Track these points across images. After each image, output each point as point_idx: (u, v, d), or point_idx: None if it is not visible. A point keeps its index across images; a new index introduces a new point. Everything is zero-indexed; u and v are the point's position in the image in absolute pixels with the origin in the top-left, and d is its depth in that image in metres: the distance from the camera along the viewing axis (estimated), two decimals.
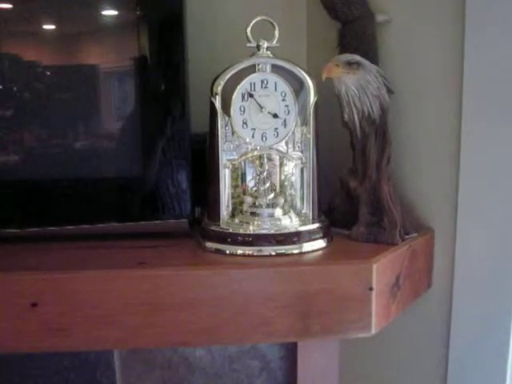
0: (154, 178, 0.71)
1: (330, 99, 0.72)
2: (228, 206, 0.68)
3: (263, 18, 0.67)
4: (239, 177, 0.71)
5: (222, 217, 0.68)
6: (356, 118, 0.71)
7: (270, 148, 0.68)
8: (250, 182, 0.71)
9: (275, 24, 0.67)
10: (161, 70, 0.70)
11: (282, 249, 0.66)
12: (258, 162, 0.70)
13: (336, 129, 0.75)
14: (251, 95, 0.66)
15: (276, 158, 0.70)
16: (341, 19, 0.78)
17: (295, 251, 0.66)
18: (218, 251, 0.66)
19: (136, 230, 0.71)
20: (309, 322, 0.62)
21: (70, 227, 0.70)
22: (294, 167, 0.70)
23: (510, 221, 0.68)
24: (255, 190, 0.70)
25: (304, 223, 0.68)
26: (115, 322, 0.60)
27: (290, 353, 0.88)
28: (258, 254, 0.65)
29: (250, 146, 0.67)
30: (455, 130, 0.72)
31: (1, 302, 0.59)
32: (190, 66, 0.72)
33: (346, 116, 0.72)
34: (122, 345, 0.66)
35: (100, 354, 0.82)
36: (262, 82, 0.66)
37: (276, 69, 0.67)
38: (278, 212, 0.69)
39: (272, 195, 0.70)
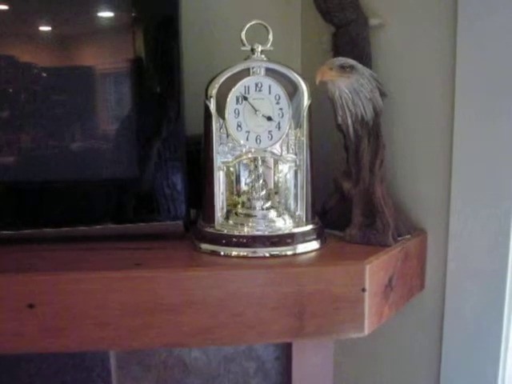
0: (150, 180, 0.71)
1: (323, 102, 0.73)
2: (222, 207, 0.69)
3: (257, 21, 0.68)
4: (234, 179, 0.72)
5: (216, 218, 0.68)
6: (349, 120, 0.72)
7: (265, 150, 0.68)
8: (245, 184, 0.72)
9: (269, 28, 0.68)
10: (156, 72, 0.70)
11: (276, 250, 0.66)
12: (252, 164, 0.70)
13: (330, 131, 0.76)
14: (245, 98, 0.67)
15: (270, 160, 0.71)
16: (335, 23, 0.79)
17: (289, 253, 0.67)
18: (212, 253, 0.67)
19: (131, 231, 0.72)
20: (303, 323, 0.63)
21: (65, 229, 0.71)
22: (288, 169, 0.71)
23: (502, 222, 0.69)
24: (250, 192, 0.71)
25: (298, 225, 0.69)
26: (111, 322, 0.60)
27: (285, 353, 0.88)
28: (253, 255, 0.66)
29: (244, 149, 0.68)
30: (448, 133, 0.73)
31: None
32: (185, 69, 0.72)
33: (339, 119, 0.73)
34: (118, 346, 0.67)
35: (96, 355, 0.82)
36: (257, 85, 0.67)
37: (270, 72, 0.67)
38: (272, 214, 0.69)
39: (266, 197, 0.70)
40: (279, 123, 0.68)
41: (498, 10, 0.66)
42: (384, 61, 0.78)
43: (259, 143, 0.68)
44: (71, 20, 0.70)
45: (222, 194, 0.69)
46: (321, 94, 0.72)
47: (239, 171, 0.72)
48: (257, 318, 0.62)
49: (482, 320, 0.71)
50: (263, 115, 0.67)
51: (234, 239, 0.67)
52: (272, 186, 0.72)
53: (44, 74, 0.70)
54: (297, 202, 0.70)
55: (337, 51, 0.79)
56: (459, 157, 0.72)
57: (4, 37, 0.69)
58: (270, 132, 0.68)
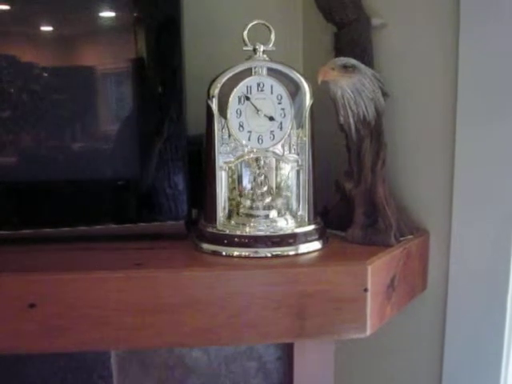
0: (151, 180, 0.71)
1: (326, 102, 0.73)
2: (224, 207, 0.69)
3: (259, 21, 0.68)
4: (236, 179, 0.72)
5: (218, 218, 0.68)
6: (351, 120, 0.72)
7: (266, 150, 0.68)
8: (247, 184, 0.72)
9: (271, 28, 0.68)
10: (158, 72, 0.70)
11: (277, 250, 0.66)
12: (254, 164, 0.70)
13: (332, 131, 0.76)
14: (247, 98, 0.67)
15: (272, 160, 0.71)
16: (336, 23, 0.79)
17: (291, 253, 0.66)
18: (214, 253, 0.67)
19: (133, 231, 0.72)
20: (304, 323, 0.62)
21: (66, 229, 0.70)
22: (290, 169, 0.71)
23: (504, 222, 0.69)
24: (251, 192, 0.71)
25: (300, 225, 0.69)
26: (112, 322, 0.60)
27: (287, 354, 0.89)
28: (254, 255, 0.66)
29: (246, 149, 0.68)
30: (450, 133, 0.73)
31: None
32: (187, 69, 0.72)
33: (341, 119, 0.73)
34: (119, 345, 0.67)
35: (97, 355, 0.82)
36: (259, 85, 0.67)
37: (272, 72, 0.67)
38: (274, 214, 0.69)
39: (268, 197, 0.70)
40: (281, 123, 0.68)
41: (501, 9, 0.66)
42: (386, 61, 0.78)
43: (261, 143, 0.68)
44: (73, 20, 0.70)
45: (224, 194, 0.69)
46: (323, 94, 0.72)
47: (241, 171, 0.72)
48: (258, 319, 0.62)
49: (484, 320, 0.71)
50: (265, 115, 0.67)
51: (236, 239, 0.67)
52: (274, 186, 0.72)
53: (45, 74, 0.70)
54: (299, 202, 0.70)
55: (338, 51, 0.78)
56: (461, 157, 0.72)
57: (6, 36, 0.69)
58: (271, 132, 0.68)
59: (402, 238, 0.71)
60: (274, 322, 0.62)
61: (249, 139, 0.67)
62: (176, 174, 0.71)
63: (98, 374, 0.83)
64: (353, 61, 0.71)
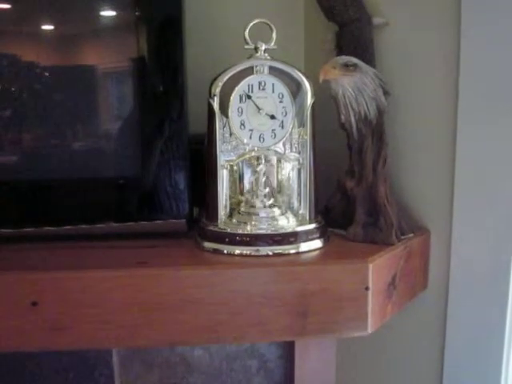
0: (153, 179, 0.71)
1: (327, 100, 0.73)
2: (226, 206, 0.69)
3: (261, 20, 0.68)
4: (237, 177, 0.72)
5: (219, 217, 0.68)
6: (353, 119, 0.72)
7: (268, 149, 0.68)
8: (248, 183, 0.72)
9: (273, 26, 0.68)
10: (159, 70, 0.70)
11: (279, 249, 0.66)
12: (255, 162, 0.70)
13: (334, 130, 0.76)
14: (249, 97, 0.67)
15: (273, 158, 0.71)
16: (338, 21, 0.79)
17: (292, 251, 0.67)
18: (215, 251, 0.67)
19: (134, 229, 0.72)
20: (306, 321, 0.63)
21: (68, 227, 0.71)
22: (292, 168, 0.71)
23: (505, 221, 0.69)
24: (253, 191, 0.71)
25: (301, 223, 0.69)
26: (114, 321, 0.60)
27: (288, 352, 0.89)
28: (256, 253, 0.66)
29: (247, 147, 0.68)
30: (451, 132, 0.73)
31: (1, 301, 0.59)
32: (189, 68, 0.72)
33: (342, 117, 0.73)
34: (121, 344, 0.67)
35: (99, 353, 0.82)
36: (260, 83, 0.67)
37: (273, 71, 0.67)
38: (276, 212, 0.69)
39: (269, 196, 0.70)
40: (282, 122, 0.68)
41: (502, 9, 0.66)
42: (387, 59, 0.78)
43: (262, 142, 0.68)
44: (74, 19, 0.70)
45: (225, 192, 0.69)
46: (324, 93, 0.72)
47: (242, 170, 0.72)
48: (259, 317, 0.62)
49: (484, 319, 0.71)
50: (266, 114, 0.67)
51: (237, 237, 0.67)
52: (275, 184, 0.72)
53: (47, 73, 0.70)
54: (300, 201, 0.70)
55: (340, 50, 0.79)
56: (462, 156, 0.72)
57: (6, 35, 0.69)
58: (273, 130, 0.68)
59: (402, 237, 0.71)
60: (275, 320, 0.62)
61: (250, 138, 0.68)
62: (177, 172, 0.71)
63: (99, 372, 0.83)
64: (354, 59, 0.71)
